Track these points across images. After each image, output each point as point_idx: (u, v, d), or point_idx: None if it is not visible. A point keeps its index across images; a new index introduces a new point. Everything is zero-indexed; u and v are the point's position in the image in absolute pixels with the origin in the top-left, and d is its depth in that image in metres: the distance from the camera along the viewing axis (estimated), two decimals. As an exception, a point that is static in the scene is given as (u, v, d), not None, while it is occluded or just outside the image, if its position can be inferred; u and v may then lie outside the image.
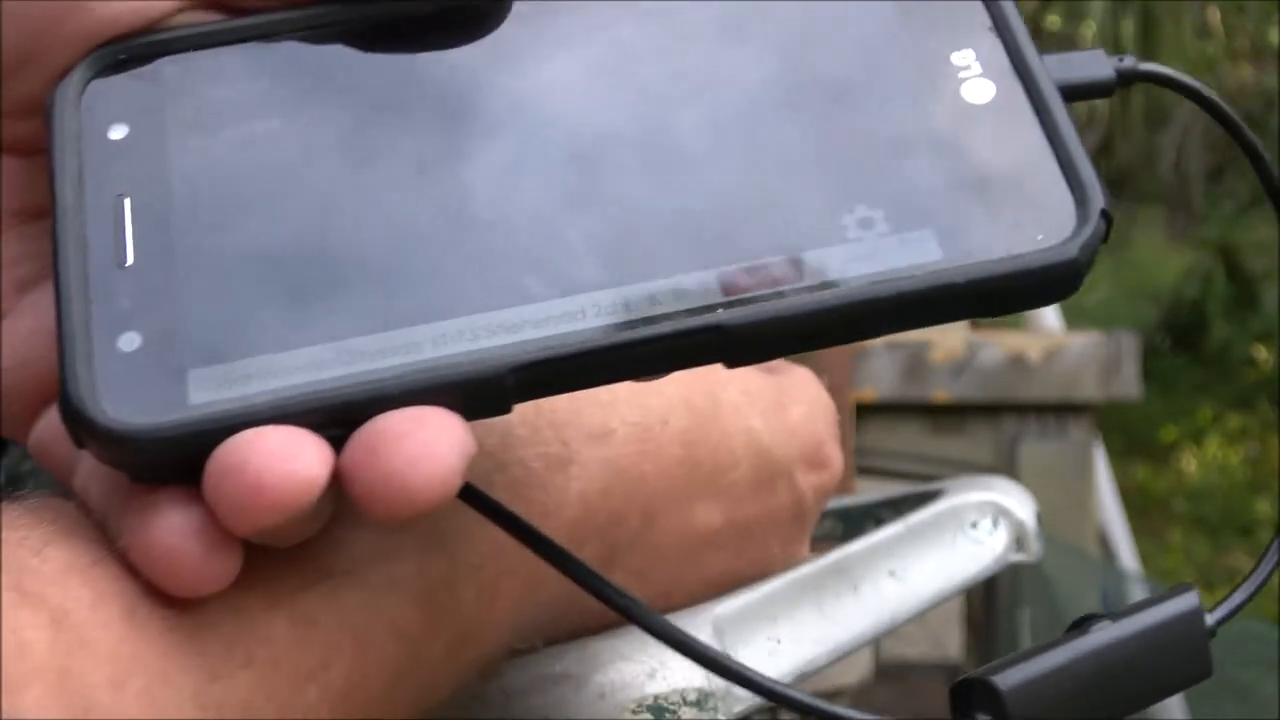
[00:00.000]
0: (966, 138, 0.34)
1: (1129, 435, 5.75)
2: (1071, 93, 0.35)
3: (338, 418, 0.30)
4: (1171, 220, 7.16)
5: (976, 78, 0.34)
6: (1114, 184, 7.39)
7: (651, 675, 0.39)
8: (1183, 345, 6.85)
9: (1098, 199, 0.32)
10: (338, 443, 0.30)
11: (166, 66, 0.34)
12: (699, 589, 0.44)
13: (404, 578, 0.34)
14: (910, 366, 2.91)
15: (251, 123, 0.34)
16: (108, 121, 0.33)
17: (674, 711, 0.39)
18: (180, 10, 0.34)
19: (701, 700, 0.39)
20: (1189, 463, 6.11)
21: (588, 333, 0.31)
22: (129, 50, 0.34)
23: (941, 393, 2.92)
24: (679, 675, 0.39)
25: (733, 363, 0.32)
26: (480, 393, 0.30)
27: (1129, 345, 3.09)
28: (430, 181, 0.33)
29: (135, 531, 0.29)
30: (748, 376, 0.45)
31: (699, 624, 0.42)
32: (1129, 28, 7.12)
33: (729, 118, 0.34)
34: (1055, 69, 0.35)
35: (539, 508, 0.37)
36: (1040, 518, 0.55)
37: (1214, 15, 7.20)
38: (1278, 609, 4.18)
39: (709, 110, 0.34)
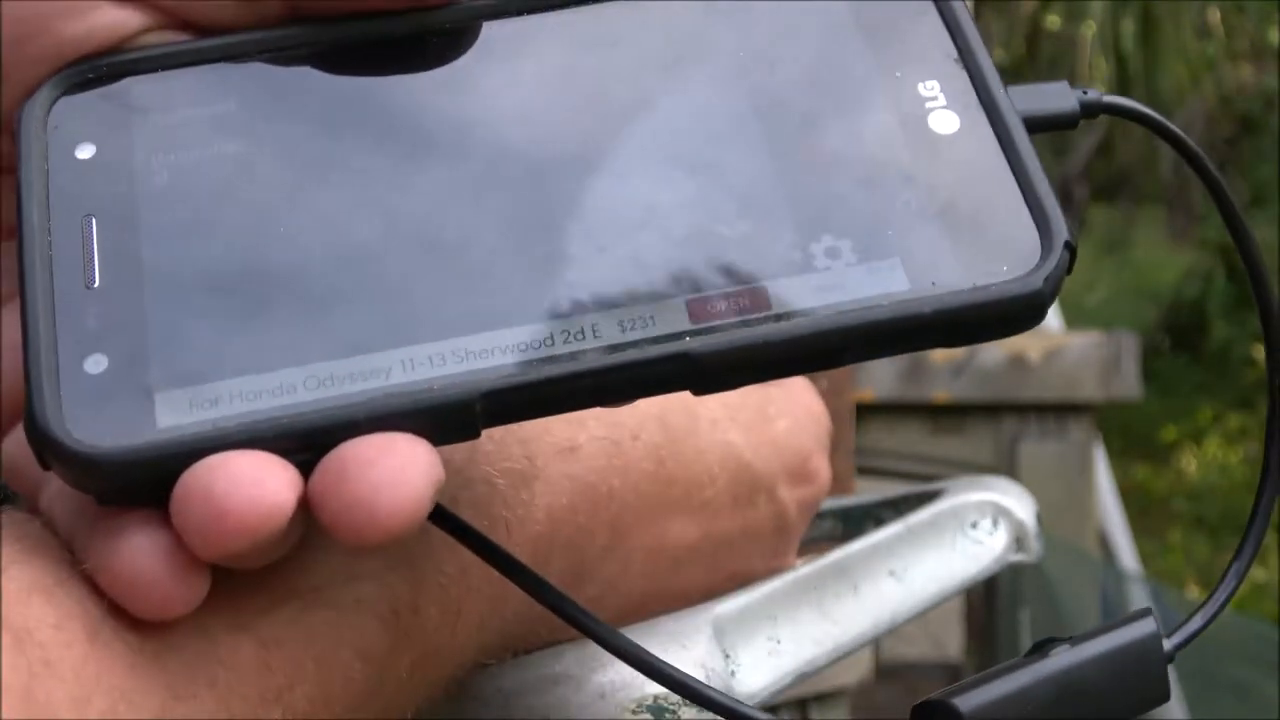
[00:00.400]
0: (932, 168, 0.34)
1: (1129, 435, 5.75)
2: (1035, 124, 0.35)
3: (306, 443, 0.29)
4: (1171, 220, 7.16)
5: (942, 109, 0.34)
6: (1114, 184, 7.39)
7: (651, 675, 0.39)
8: (1183, 345, 6.86)
9: (1061, 231, 0.32)
10: (306, 467, 0.29)
11: (134, 86, 0.34)
12: (675, 603, 0.44)
13: (370, 598, 0.34)
14: (910, 367, 2.91)
15: (219, 144, 0.33)
16: (75, 141, 0.33)
17: (674, 712, 0.39)
18: (148, 30, 0.34)
19: (701, 700, 0.39)
20: (1189, 463, 6.12)
21: (557, 359, 0.31)
22: (96, 69, 0.34)
23: (941, 393, 2.92)
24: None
25: (700, 390, 0.32)
26: (450, 419, 0.30)
27: (1129, 345, 3.09)
28: (399, 206, 0.33)
29: (102, 554, 0.29)
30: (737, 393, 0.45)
31: (699, 624, 0.42)
32: (1129, 28, 7.12)
33: (697, 146, 0.34)
34: (1020, 100, 0.35)
35: (504, 524, 0.37)
36: (1040, 518, 0.55)
37: (1214, 15, 7.20)
38: (1278, 609, 4.18)
39: (676, 138, 0.34)
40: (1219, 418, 6.18)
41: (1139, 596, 2.67)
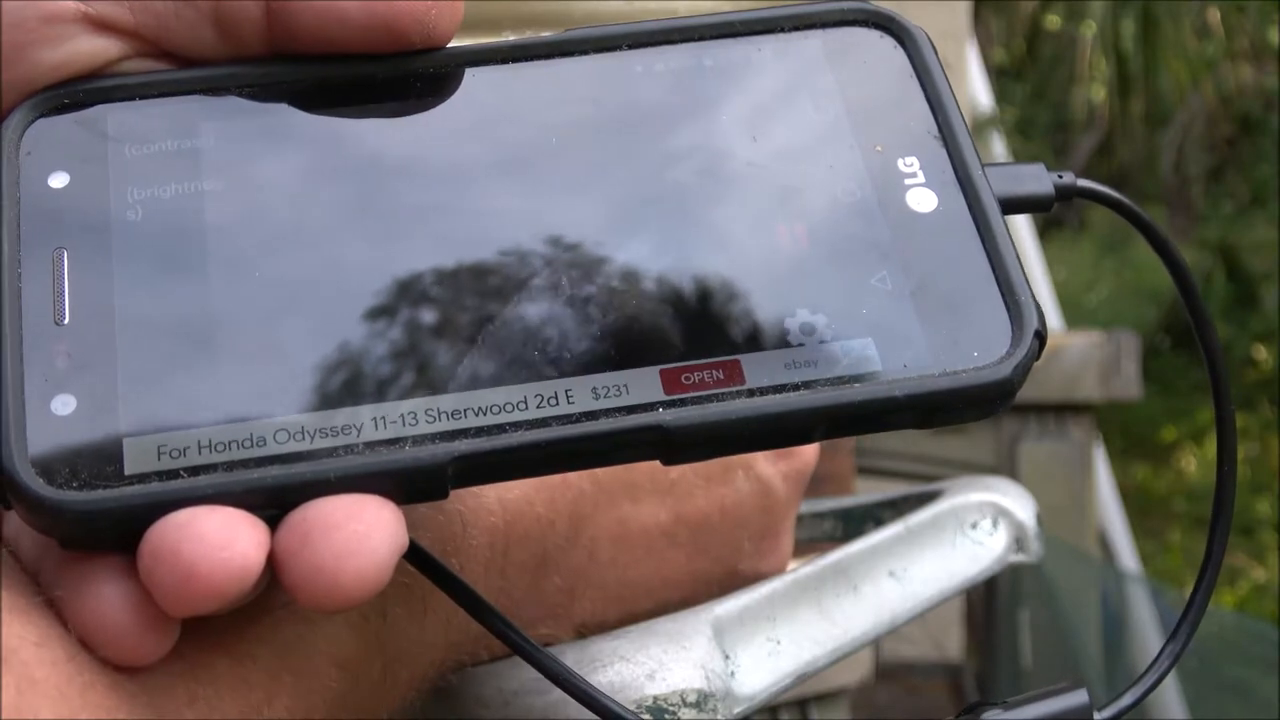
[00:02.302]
0: (908, 247, 0.33)
1: (1129, 435, 5.74)
2: (1011, 206, 0.35)
3: (275, 499, 0.29)
4: (1171, 220, 7.16)
5: (920, 186, 0.34)
6: (1114, 184, 7.36)
7: (651, 676, 0.39)
8: (1183, 345, 6.85)
9: (1032, 320, 0.33)
10: (275, 520, 0.29)
11: (111, 114, 0.33)
12: (661, 589, 0.44)
13: None
14: (910, 366, 2.90)
15: (195, 180, 0.33)
16: (49, 168, 0.32)
17: (673, 712, 0.39)
18: (127, 58, 0.33)
19: (701, 701, 0.39)
20: (1189, 463, 6.11)
21: (529, 424, 0.31)
22: (73, 94, 0.33)
23: (941, 393, 2.92)
24: (678, 676, 0.39)
25: (670, 460, 0.32)
26: (420, 482, 0.30)
27: (1129, 345, 3.09)
28: (374, 257, 0.32)
29: (69, 599, 0.29)
30: None
31: (699, 624, 0.42)
32: (1129, 28, 7.11)
33: (677, 215, 0.34)
34: (997, 181, 0.35)
35: (458, 516, 0.37)
36: (1040, 518, 0.54)
37: (1214, 15, 7.19)
38: (1278, 609, 4.17)
39: (656, 206, 0.34)
40: (1219, 418, 6.16)
41: (1139, 596, 2.67)
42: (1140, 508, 4.81)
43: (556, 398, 0.31)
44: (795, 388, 0.32)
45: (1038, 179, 0.36)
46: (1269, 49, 7.00)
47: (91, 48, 0.33)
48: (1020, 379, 0.32)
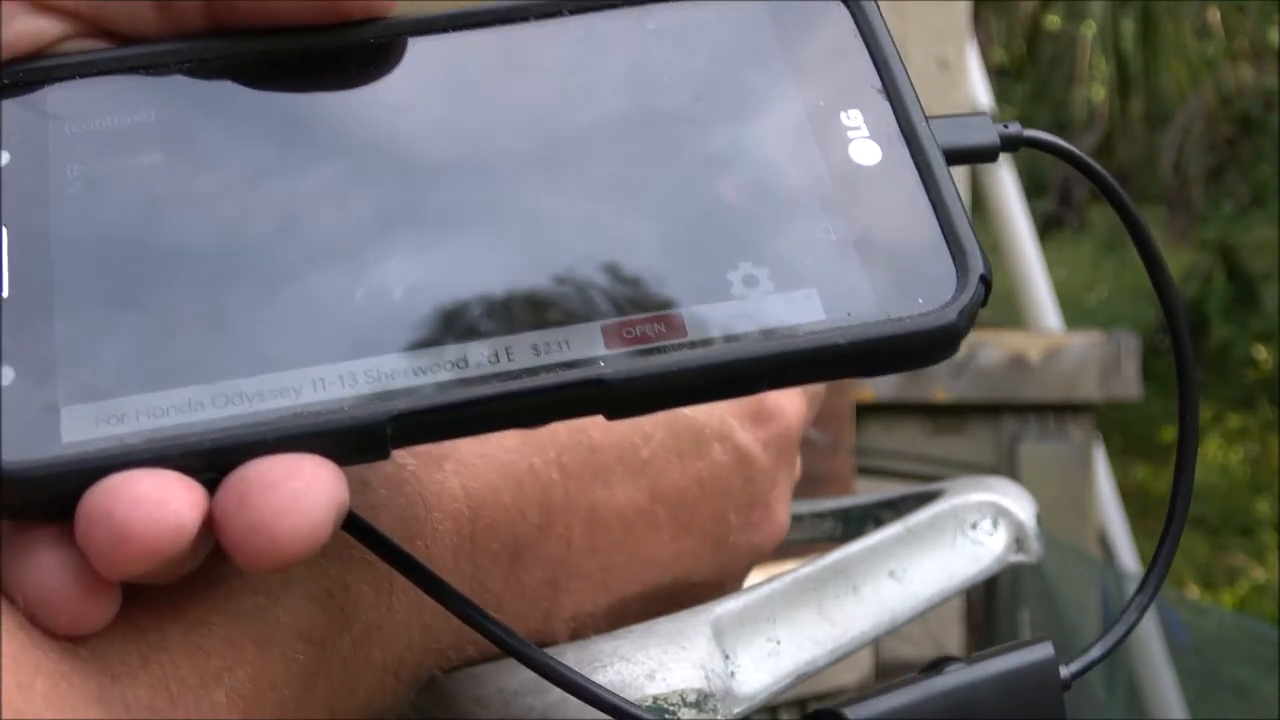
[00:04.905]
0: (852, 199, 0.34)
1: (1129, 435, 5.75)
2: (955, 157, 0.35)
3: (212, 461, 0.29)
4: (1171, 220, 7.16)
5: (864, 139, 0.34)
6: (1114, 184, 7.36)
7: (651, 676, 0.39)
8: (1183, 345, 6.84)
9: (978, 265, 0.33)
10: (214, 485, 0.29)
11: (51, 93, 0.33)
12: (648, 570, 0.43)
13: (298, 580, 0.34)
14: (910, 366, 2.91)
15: (135, 156, 0.33)
16: None
17: (673, 712, 0.39)
18: (67, 37, 0.33)
19: (701, 701, 0.39)
20: (1189, 463, 6.10)
21: (469, 382, 0.31)
22: (13, 75, 0.33)
23: (941, 393, 2.92)
24: (678, 676, 0.40)
25: (613, 416, 0.32)
26: (359, 441, 0.30)
27: (1129, 345, 3.10)
28: (315, 222, 0.32)
29: (10, 570, 0.29)
30: None
31: (699, 624, 0.42)
32: (1129, 28, 7.12)
33: (616, 169, 0.34)
34: (941, 133, 0.35)
35: (419, 500, 0.37)
36: (1040, 518, 0.55)
37: (1214, 15, 7.20)
38: (1278, 609, 4.18)
39: (596, 161, 0.34)
40: (1219, 418, 6.18)
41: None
42: (1140, 508, 4.81)
43: (497, 355, 0.31)
44: (737, 338, 0.32)
45: (983, 129, 0.37)
46: (1269, 49, 7.01)
47: (32, 28, 0.33)
48: (966, 324, 0.32)
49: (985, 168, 3.67)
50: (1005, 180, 3.67)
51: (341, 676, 0.35)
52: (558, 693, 0.39)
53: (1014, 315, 3.58)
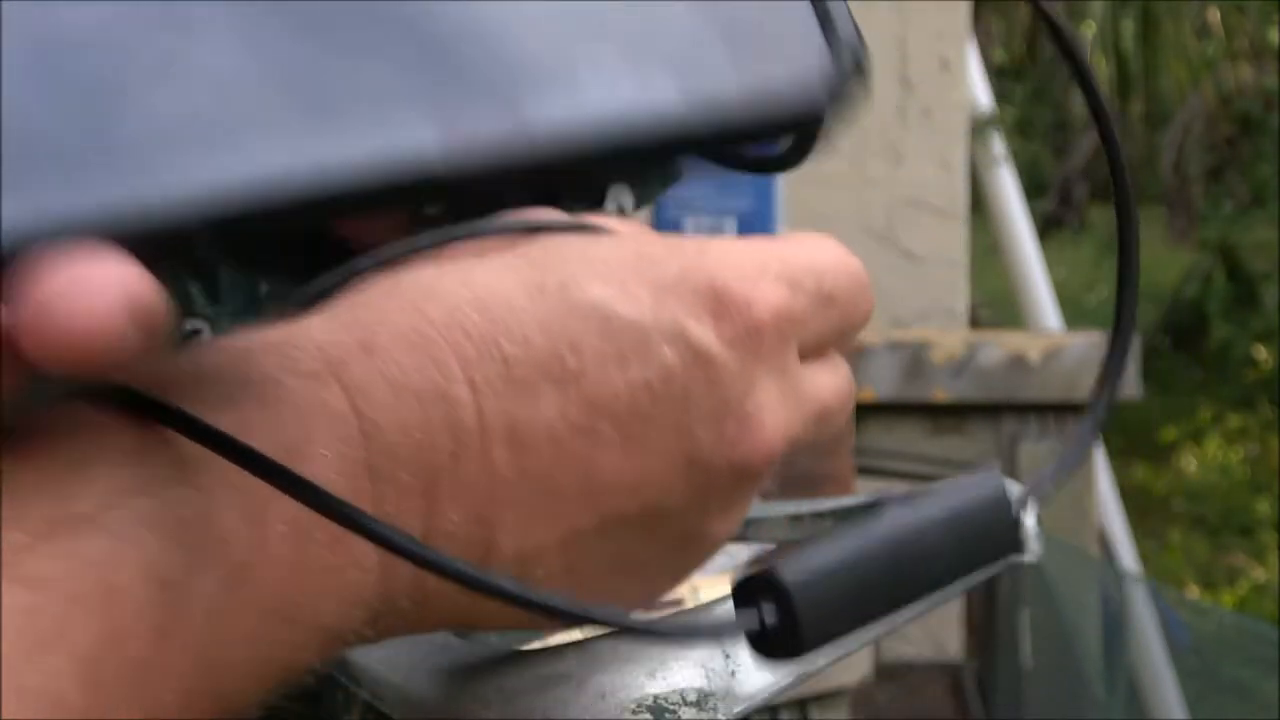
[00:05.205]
0: None
1: (1129, 435, 5.75)
2: None
3: None
4: (1171, 220, 7.17)
5: None
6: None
7: (651, 675, 0.39)
8: (1183, 345, 6.86)
9: (851, 44, 0.31)
10: None
11: None
12: (603, 495, 0.37)
13: (150, 514, 0.30)
14: (910, 366, 2.91)
15: None
16: None
17: (674, 712, 0.39)
18: None
19: (701, 700, 0.39)
20: (1189, 463, 6.12)
21: (299, 175, 0.28)
22: None
23: (941, 392, 2.92)
24: (679, 675, 0.40)
25: (458, 216, 0.31)
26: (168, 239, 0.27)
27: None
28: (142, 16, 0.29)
29: None
30: (604, 247, 0.38)
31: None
32: (1129, 28, 7.13)
33: None
34: None
35: (300, 427, 0.33)
36: (1040, 518, 0.55)
37: (1214, 15, 7.21)
38: (1278, 609, 4.18)
39: None
40: (1218, 417, 6.18)
41: (1139, 596, 2.68)
42: (1140, 508, 4.82)
43: (330, 149, 0.29)
44: (584, 125, 0.30)
45: None
46: (1269, 49, 7.02)
47: None
48: (831, 102, 0.31)
49: (985, 168, 3.67)
50: (1005, 180, 3.67)
51: (208, 625, 0.31)
52: (558, 692, 0.39)
53: (1014, 315, 3.59)
